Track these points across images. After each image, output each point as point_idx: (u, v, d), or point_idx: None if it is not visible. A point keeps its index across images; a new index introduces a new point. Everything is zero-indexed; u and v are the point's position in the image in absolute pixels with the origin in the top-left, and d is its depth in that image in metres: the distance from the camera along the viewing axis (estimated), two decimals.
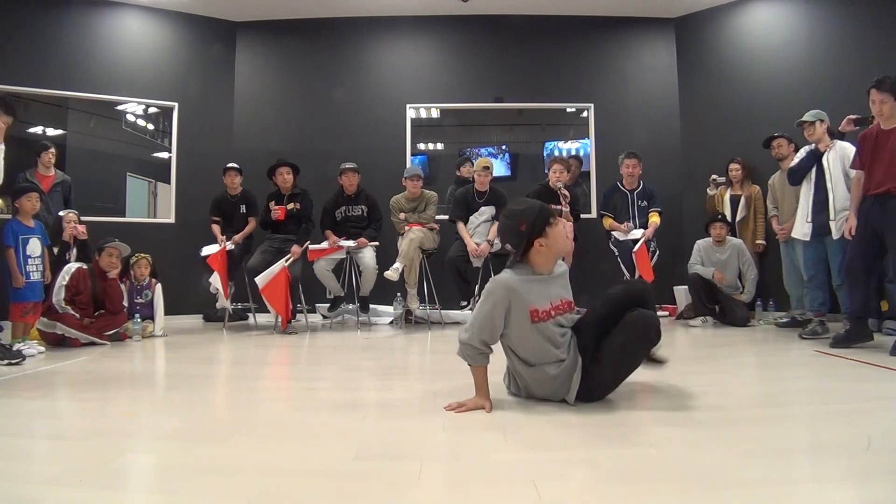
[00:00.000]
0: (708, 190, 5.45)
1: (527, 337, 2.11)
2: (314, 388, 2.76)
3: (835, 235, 3.81)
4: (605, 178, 5.56)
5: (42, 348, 3.59)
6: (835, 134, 3.98)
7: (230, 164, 5.37)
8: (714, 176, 5.42)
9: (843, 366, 2.99)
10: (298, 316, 4.80)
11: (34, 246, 3.71)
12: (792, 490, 1.39)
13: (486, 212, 4.97)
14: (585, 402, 2.14)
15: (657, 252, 4.86)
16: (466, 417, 2.12)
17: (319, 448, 1.75)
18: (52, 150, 4.74)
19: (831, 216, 3.84)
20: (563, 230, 2.18)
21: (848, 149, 3.86)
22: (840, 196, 3.83)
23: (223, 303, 4.90)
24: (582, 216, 5.21)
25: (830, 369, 2.96)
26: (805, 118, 4.03)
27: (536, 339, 2.11)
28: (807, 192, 4.07)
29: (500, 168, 7.01)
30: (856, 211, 3.52)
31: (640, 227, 4.98)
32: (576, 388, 2.11)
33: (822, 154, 3.96)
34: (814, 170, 4.02)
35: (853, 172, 3.71)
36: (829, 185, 3.88)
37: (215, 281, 4.79)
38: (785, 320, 4.68)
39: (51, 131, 6.59)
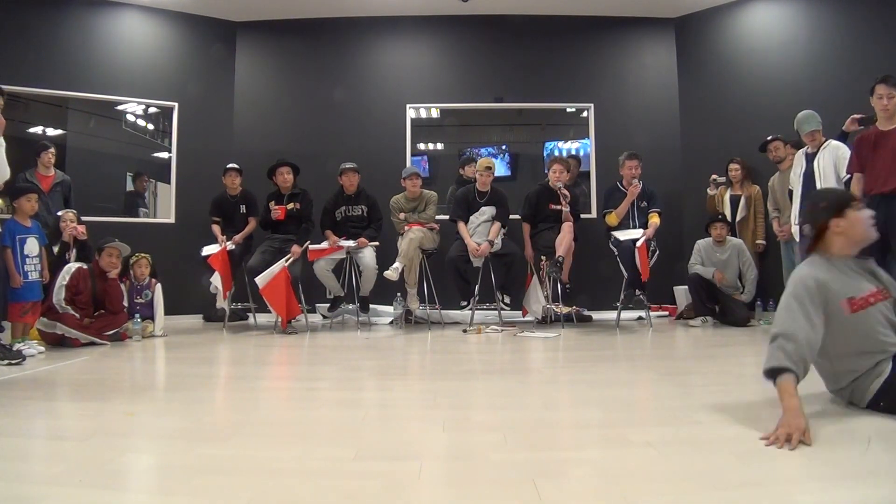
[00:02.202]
0: (708, 190, 5.45)
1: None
2: (314, 387, 2.77)
3: None
4: (605, 178, 5.56)
5: (42, 348, 3.59)
6: (838, 135, 3.98)
7: (230, 165, 5.37)
8: (714, 176, 5.42)
9: None
10: (298, 316, 4.80)
11: (31, 246, 3.70)
12: (792, 490, 1.39)
13: (487, 212, 4.97)
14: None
15: (657, 252, 4.86)
16: (466, 417, 2.12)
17: (319, 448, 1.75)
18: (52, 150, 4.74)
19: None
20: (865, 218, 2.00)
21: (841, 148, 3.82)
22: None
23: (221, 303, 4.90)
24: (582, 216, 5.21)
25: None
26: (812, 128, 3.92)
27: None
28: (795, 192, 4.04)
29: (500, 168, 7.00)
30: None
31: (640, 228, 4.98)
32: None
33: (815, 154, 3.93)
34: (803, 168, 3.98)
35: (843, 173, 3.70)
36: (819, 184, 3.81)
37: (216, 280, 4.80)
38: None
39: (51, 131, 6.58)
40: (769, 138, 4.83)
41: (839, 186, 3.74)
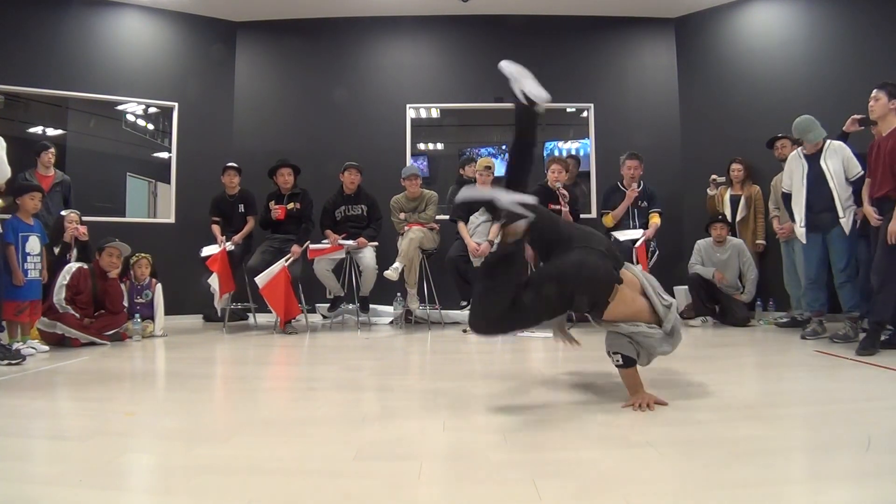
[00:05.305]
0: (708, 190, 5.45)
1: None
2: (314, 387, 2.76)
3: (847, 230, 3.78)
4: (605, 178, 5.56)
5: (46, 347, 3.60)
6: (838, 135, 4.00)
7: (229, 164, 5.37)
8: (714, 176, 5.42)
9: (843, 366, 2.99)
10: (298, 316, 4.80)
11: (33, 244, 3.69)
12: (791, 490, 1.39)
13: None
14: None
15: (657, 252, 4.86)
16: (466, 417, 2.12)
17: (319, 448, 1.75)
18: (52, 150, 4.74)
19: (840, 213, 3.80)
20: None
21: (846, 149, 3.88)
22: (843, 192, 3.81)
23: (218, 303, 4.90)
24: (581, 216, 5.21)
25: (830, 369, 2.96)
26: (820, 136, 3.91)
27: None
28: (798, 194, 4.02)
29: (500, 168, 7.00)
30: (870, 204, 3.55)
31: (640, 228, 4.98)
32: None
33: (815, 156, 3.94)
34: (805, 170, 3.96)
35: (853, 172, 3.79)
36: (831, 183, 3.83)
37: (213, 282, 4.79)
38: (785, 320, 4.69)
39: (51, 131, 6.59)
40: (779, 135, 4.82)
41: (849, 186, 3.81)
